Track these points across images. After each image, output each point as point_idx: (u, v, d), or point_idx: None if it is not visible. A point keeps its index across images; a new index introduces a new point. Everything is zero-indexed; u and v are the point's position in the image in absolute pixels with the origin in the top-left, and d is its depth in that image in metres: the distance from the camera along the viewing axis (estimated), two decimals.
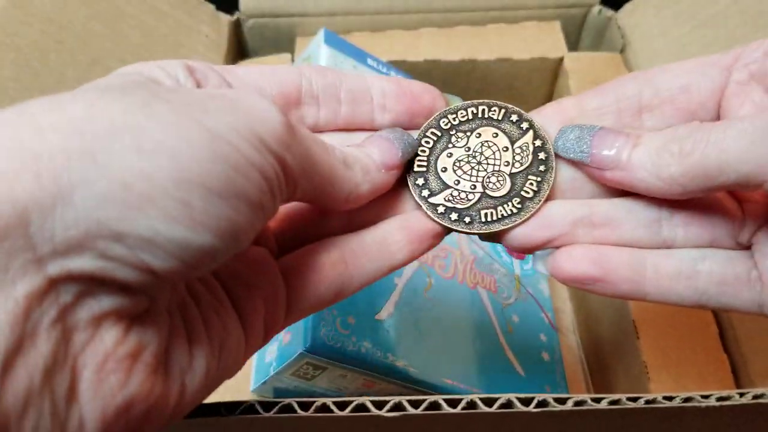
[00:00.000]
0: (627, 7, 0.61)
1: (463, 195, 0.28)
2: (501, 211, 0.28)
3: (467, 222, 0.28)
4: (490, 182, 0.28)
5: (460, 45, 0.59)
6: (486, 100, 0.30)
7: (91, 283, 0.18)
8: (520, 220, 0.28)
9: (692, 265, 0.28)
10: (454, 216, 0.28)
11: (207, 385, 0.22)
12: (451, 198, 0.28)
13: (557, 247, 0.29)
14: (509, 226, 0.28)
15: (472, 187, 0.28)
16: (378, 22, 0.61)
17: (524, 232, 0.28)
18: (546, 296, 0.51)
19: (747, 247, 0.28)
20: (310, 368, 0.39)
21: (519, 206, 0.28)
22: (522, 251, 0.29)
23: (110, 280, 0.18)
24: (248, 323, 0.24)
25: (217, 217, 0.19)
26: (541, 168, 0.28)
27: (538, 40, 0.60)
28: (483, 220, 0.28)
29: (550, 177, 0.28)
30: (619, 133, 0.27)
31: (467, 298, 0.46)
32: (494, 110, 0.29)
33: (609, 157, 0.27)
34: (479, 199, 0.28)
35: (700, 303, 0.28)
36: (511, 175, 0.28)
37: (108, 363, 0.18)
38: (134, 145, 0.18)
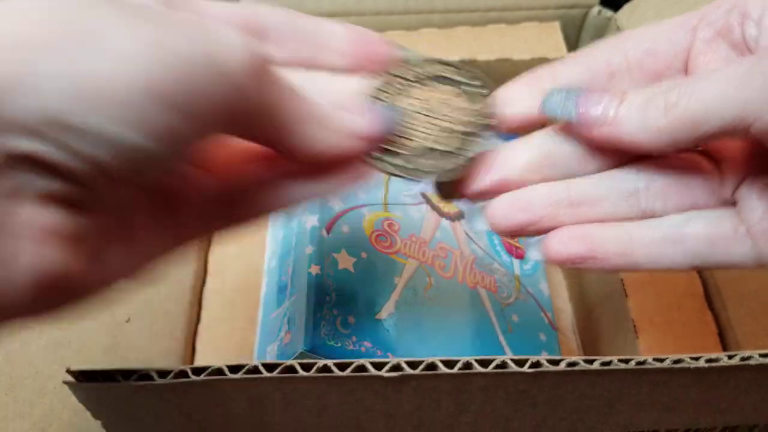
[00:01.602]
0: (626, 7, 0.61)
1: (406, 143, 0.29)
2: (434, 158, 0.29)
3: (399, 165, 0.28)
4: (439, 137, 0.29)
5: (460, 45, 0.60)
6: (455, 60, 0.30)
7: (32, 163, 0.19)
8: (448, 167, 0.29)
9: (678, 229, 0.28)
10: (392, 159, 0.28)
11: (128, 273, 0.25)
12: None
13: (545, 231, 0.29)
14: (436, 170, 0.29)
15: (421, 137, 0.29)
16: (378, 22, 0.61)
17: (506, 215, 0.29)
18: (546, 296, 0.51)
19: (733, 203, 0.29)
20: None
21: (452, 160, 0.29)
22: (509, 234, 0.32)
23: (52, 164, 0.19)
24: (177, 232, 0.26)
25: (163, 126, 0.20)
26: (475, 138, 0.29)
27: (538, 41, 0.60)
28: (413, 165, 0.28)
29: (483, 146, 0.29)
30: (605, 91, 0.28)
31: (467, 298, 0.46)
32: (461, 72, 0.30)
33: (596, 115, 0.27)
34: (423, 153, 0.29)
35: (694, 265, 0.29)
36: (457, 135, 0.29)
37: (35, 234, 0.20)
38: (90, 44, 0.19)
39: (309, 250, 0.40)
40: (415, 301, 0.43)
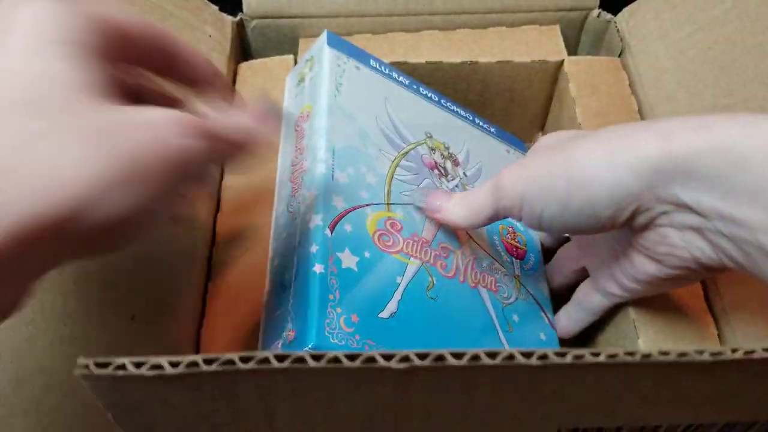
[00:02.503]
0: (626, 11, 0.62)
1: None
2: None
3: None
4: None
5: (461, 47, 0.60)
6: None
7: None
8: None
9: None
10: None
11: None
12: None
13: None
14: None
15: None
16: (380, 24, 0.61)
17: None
18: (546, 296, 0.52)
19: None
20: None
21: None
22: None
23: None
24: None
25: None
26: None
27: (539, 44, 0.61)
28: None
29: None
30: (443, 193, 0.46)
31: (468, 298, 0.46)
32: None
33: (433, 206, 0.45)
34: None
35: None
36: None
37: None
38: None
39: (313, 248, 0.40)
40: (418, 300, 0.43)
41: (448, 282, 0.45)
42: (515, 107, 0.63)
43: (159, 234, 0.45)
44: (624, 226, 0.38)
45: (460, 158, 0.53)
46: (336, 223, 0.42)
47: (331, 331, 0.38)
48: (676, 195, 0.34)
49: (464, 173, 0.52)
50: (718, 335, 0.45)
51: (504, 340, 0.46)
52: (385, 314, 0.41)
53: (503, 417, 0.31)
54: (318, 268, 0.40)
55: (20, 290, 0.26)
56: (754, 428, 0.37)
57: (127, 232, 0.27)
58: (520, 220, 0.40)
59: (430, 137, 0.52)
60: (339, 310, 0.39)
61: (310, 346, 0.37)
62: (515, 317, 0.48)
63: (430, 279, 0.44)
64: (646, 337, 0.45)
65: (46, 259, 0.25)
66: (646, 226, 0.37)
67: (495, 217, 0.41)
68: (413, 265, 0.44)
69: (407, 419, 0.30)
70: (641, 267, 0.40)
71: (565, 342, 0.52)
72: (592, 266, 0.47)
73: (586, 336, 0.54)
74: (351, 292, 0.40)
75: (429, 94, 0.54)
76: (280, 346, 0.40)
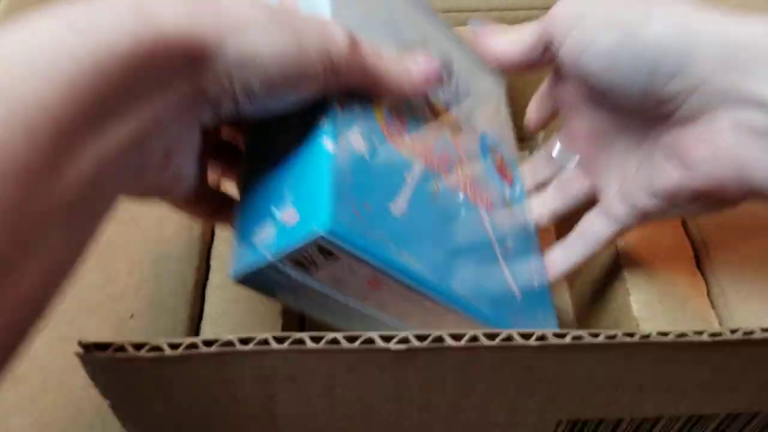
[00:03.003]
0: None
1: None
2: None
3: None
4: None
5: None
6: None
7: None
8: None
9: None
10: None
11: None
12: None
13: None
14: None
15: None
16: None
17: None
18: (532, 227, 0.49)
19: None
20: (320, 256, 0.32)
21: None
22: None
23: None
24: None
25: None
26: None
27: None
28: None
29: None
30: (495, 25, 0.42)
31: (469, 213, 0.43)
32: None
33: (483, 31, 0.42)
34: None
35: None
36: None
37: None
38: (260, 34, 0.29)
39: (323, 123, 0.35)
40: (425, 203, 0.39)
41: (451, 193, 0.42)
42: (515, 106, 0.63)
43: (158, 232, 0.45)
44: (662, 108, 0.35)
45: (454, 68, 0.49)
46: (345, 99, 0.37)
47: (344, 217, 0.32)
48: (748, 86, 0.31)
49: (457, 85, 0.50)
50: (719, 324, 0.45)
51: (502, 262, 0.43)
52: (395, 210, 0.36)
53: (502, 405, 0.30)
54: (330, 146, 0.34)
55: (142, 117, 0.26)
56: (755, 420, 0.37)
57: (268, 89, 0.30)
58: (555, 55, 0.37)
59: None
60: (353, 194, 0.34)
61: (324, 230, 0.31)
62: (509, 242, 0.45)
63: (435, 184, 0.40)
64: (646, 330, 0.44)
65: (181, 86, 0.28)
66: (693, 117, 0.34)
67: (536, 44, 0.38)
68: (419, 164, 0.40)
69: (405, 407, 0.30)
70: (664, 174, 0.37)
71: (564, 324, 0.51)
72: (601, 185, 0.43)
73: (585, 324, 0.54)
74: (363, 178, 0.35)
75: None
76: (271, 233, 0.33)
